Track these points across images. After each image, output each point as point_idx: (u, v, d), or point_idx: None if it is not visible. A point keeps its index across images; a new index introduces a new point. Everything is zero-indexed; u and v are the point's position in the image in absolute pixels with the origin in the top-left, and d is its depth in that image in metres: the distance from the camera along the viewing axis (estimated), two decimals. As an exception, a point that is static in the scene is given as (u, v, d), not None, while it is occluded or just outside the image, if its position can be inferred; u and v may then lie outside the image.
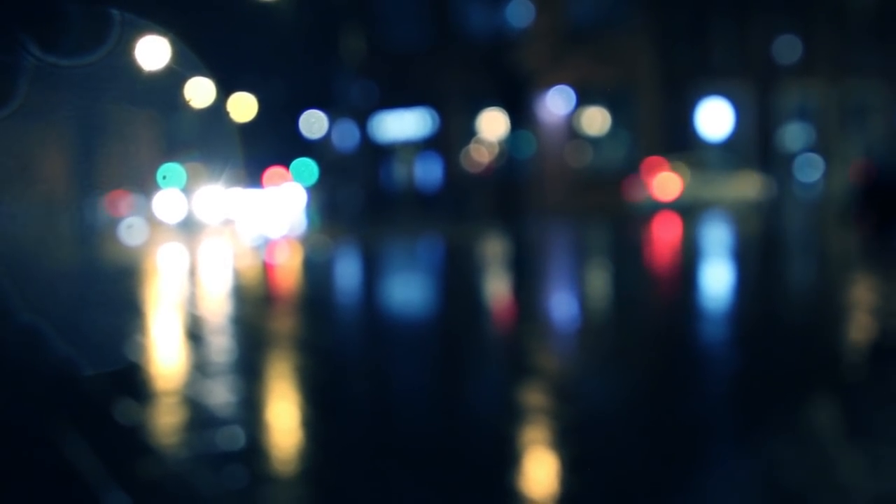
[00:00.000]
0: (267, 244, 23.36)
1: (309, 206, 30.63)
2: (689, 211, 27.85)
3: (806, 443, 5.78)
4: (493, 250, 20.56)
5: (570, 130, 31.44)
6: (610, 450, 5.92)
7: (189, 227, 28.95)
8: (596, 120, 31.61)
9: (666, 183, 28.37)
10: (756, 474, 5.28)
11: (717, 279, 14.38)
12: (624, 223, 26.30)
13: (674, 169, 28.64)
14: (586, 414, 6.72)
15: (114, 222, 28.66)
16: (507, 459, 5.89)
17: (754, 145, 32.53)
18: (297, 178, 32.70)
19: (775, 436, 5.96)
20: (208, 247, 23.62)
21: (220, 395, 7.56)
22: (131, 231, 27.39)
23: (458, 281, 16.18)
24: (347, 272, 18.18)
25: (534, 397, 6.61)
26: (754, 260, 17.08)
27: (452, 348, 10.06)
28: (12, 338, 9.27)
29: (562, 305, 12.53)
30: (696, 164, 29.22)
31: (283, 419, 7.16)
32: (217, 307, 13.24)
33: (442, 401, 7.74)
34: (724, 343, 9.39)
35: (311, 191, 31.87)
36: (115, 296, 14.23)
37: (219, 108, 27.68)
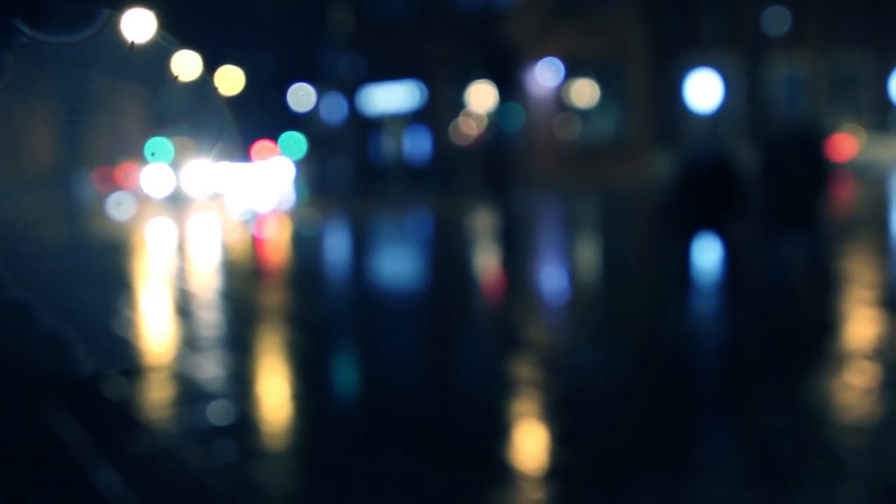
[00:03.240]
0: (256, 218, 23.32)
1: (297, 179, 30.54)
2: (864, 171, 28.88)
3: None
4: (482, 223, 20.55)
5: (559, 103, 31.37)
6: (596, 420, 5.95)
7: (177, 202, 28.84)
8: (585, 92, 31.54)
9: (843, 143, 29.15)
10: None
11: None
12: (616, 196, 26.32)
13: (850, 131, 29.96)
14: (573, 386, 6.74)
15: (101, 197, 28.55)
16: (497, 432, 5.90)
17: (743, 117, 32.53)
18: (286, 152, 32.58)
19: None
20: (197, 221, 23.56)
21: (210, 369, 7.56)
22: (119, 206, 27.29)
23: (448, 254, 16.18)
24: (336, 246, 18.16)
25: (523, 370, 6.63)
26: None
27: (442, 322, 10.08)
28: None
29: (550, 279, 12.54)
30: (874, 127, 31.54)
31: (273, 394, 7.16)
32: (206, 282, 13.22)
33: (431, 374, 7.76)
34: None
35: (300, 164, 31.77)
36: (104, 271, 14.18)
37: (206, 81, 27.47)
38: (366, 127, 34.10)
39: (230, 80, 31.77)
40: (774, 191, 9.01)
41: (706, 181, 8.83)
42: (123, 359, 8.03)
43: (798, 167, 8.77)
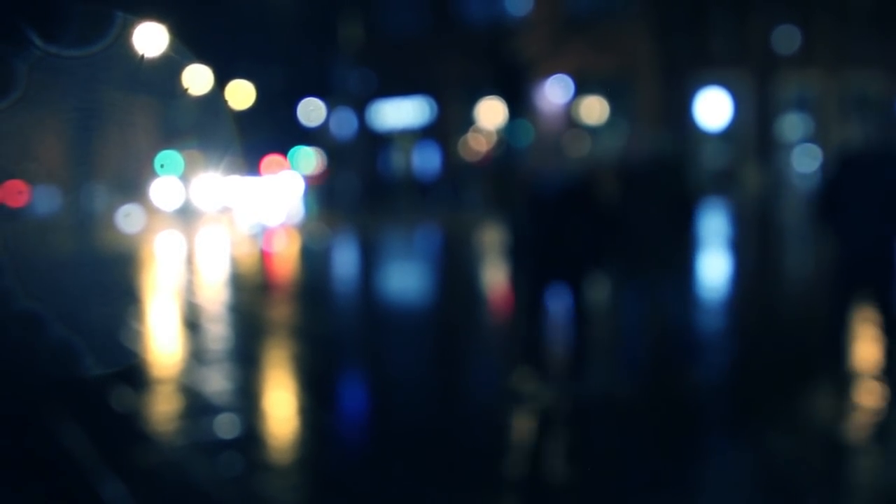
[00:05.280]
0: (264, 232, 23.35)
1: (306, 194, 30.58)
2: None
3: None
4: (491, 239, 20.55)
5: (569, 119, 31.39)
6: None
7: (187, 215, 28.92)
8: (594, 109, 31.56)
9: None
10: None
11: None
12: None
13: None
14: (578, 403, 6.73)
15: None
16: (504, 448, 5.89)
17: (753, 135, 32.50)
18: (295, 166, 32.64)
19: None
20: (206, 235, 23.60)
21: (217, 382, 7.57)
22: (129, 219, 27.36)
23: (456, 270, 16.17)
24: (345, 260, 18.17)
25: (529, 385, 6.62)
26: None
27: (449, 337, 10.07)
28: (10, 325, 9.27)
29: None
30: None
31: (280, 407, 7.16)
32: (214, 295, 13.24)
33: (439, 389, 7.75)
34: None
35: (309, 178, 31.82)
36: (113, 283, 14.22)
37: (216, 95, 27.61)
38: (375, 142, 34.16)
39: (240, 94, 31.87)
40: (629, 230, 7.18)
41: (556, 214, 6.96)
42: (127, 364, 8.05)
43: (656, 202, 7.09)
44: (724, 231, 20.75)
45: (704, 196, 7.38)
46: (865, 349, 7.16)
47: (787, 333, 8.99)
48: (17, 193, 29.68)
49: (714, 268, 13.96)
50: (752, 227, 21.84)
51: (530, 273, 7.13)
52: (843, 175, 6.65)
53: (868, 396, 6.44)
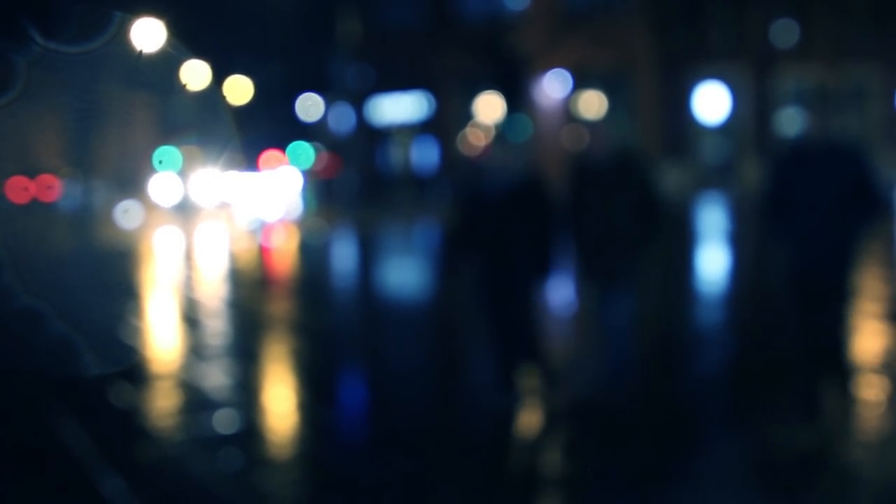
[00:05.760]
0: (263, 227, 23.34)
1: (305, 189, 30.57)
2: None
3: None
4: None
5: (567, 114, 31.38)
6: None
7: (185, 211, 28.92)
8: (593, 103, 31.56)
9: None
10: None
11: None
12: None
13: None
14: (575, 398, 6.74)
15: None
16: (504, 444, 5.90)
17: (751, 129, 32.51)
18: (294, 162, 32.63)
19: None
20: (204, 230, 23.60)
21: (217, 378, 7.57)
22: (127, 215, 27.36)
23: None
24: (343, 256, 18.18)
25: (529, 381, 6.62)
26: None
27: (448, 332, 10.08)
28: (10, 321, 9.27)
29: (558, 290, 12.52)
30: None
31: (279, 403, 7.17)
32: (213, 290, 13.24)
33: (437, 384, 7.76)
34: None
35: (308, 174, 31.81)
36: (112, 280, 14.22)
37: (215, 91, 27.60)
38: (374, 137, 34.15)
39: (239, 89, 31.85)
40: (582, 235, 6.45)
41: (501, 216, 6.37)
42: (127, 362, 8.06)
43: (614, 204, 6.29)
44: (719, 226, 20.76)
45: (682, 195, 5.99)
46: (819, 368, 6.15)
47: (745, 360, 7.80)
48: (47, 188, 29.59)
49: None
50: (748, 223, 21.85)
51: (478, 278, 6.62)
52: (792, 172, 5.94)
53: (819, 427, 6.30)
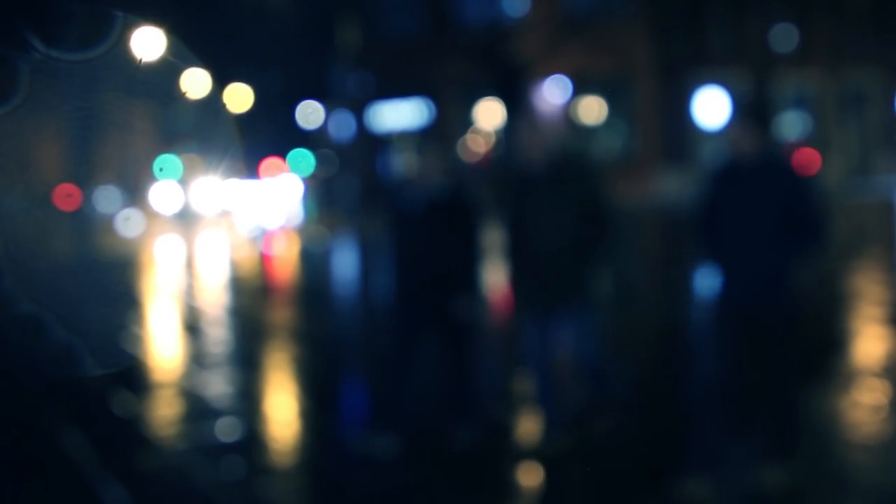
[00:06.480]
0: (264, 235, 23.35)
1: (306, 196, 30.58)
2: None
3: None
4: (490, 240, 20.56)
5: (567, 120, 31.40)
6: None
7: (186, 219, 28.92)
8: (592, 109, 31.57)
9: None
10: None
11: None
12: (621, 214, 26.22)
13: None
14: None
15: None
16: (506, 453, 5.89)
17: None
18: (294, 169, 32.64)
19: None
20: (205, 238, 23.61)
21: (218, 386, 7.57)
22: (128, 223, 27.36)
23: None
24: (344, 263, 18.17)
25: (528, 387, 6.61)
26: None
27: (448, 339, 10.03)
28: (11, 329, 9.27)
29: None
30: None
31: (281, 411, 7.16)
32: (214, 298, 13.24)
33: (440, 391, 7.74)
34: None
35: (308, 181, 31.82)
36: (114, 287, 14.22)
37: (215, 98, 27.63)
38: (374, 144, 34.18)
39: (239, 97, 31.87)
40: (517, 254, 5.98)
41: (422, 230, 6.00)
42: (129, 370, 8.05)
43: (553, 217, 5.65)
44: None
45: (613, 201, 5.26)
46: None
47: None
48: (66, 197, 28.62)
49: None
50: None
51: (397, 297, 6.24)
52: (718, 193, 5.26)
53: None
